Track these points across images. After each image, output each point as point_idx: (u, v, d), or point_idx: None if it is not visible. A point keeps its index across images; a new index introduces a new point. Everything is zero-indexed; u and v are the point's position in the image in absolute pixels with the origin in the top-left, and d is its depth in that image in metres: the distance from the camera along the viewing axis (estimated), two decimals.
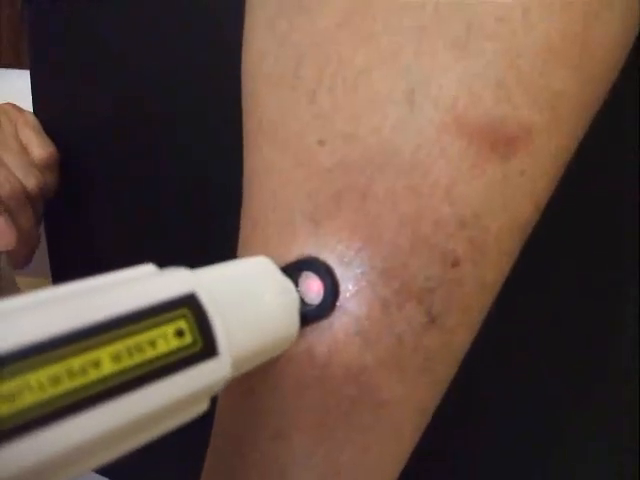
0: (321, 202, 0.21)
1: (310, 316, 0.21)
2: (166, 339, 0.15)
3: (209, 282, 0.17)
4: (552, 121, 0.20)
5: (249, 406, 0.23)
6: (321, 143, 0.21)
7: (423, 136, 0.20)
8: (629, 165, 0.32)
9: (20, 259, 0.48)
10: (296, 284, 0.21)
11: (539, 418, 0.36)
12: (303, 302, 0.21)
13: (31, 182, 0.46)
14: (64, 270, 0.52)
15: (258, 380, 0.23)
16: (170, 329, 0.15)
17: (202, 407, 0.17)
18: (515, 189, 0.21)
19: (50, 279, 0.54)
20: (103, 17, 0.42)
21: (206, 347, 0.16)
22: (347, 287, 0.21)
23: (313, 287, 0.21)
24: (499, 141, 0.20)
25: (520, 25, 0.19)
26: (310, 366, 0.22)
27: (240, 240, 0.24)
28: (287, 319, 0.19)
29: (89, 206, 0.48)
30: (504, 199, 0.21)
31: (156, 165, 0.43)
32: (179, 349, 0.15)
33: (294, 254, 0.22)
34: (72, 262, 0.51)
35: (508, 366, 0.35)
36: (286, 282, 0.20)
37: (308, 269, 0.21)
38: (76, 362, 0.13)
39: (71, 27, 0.43)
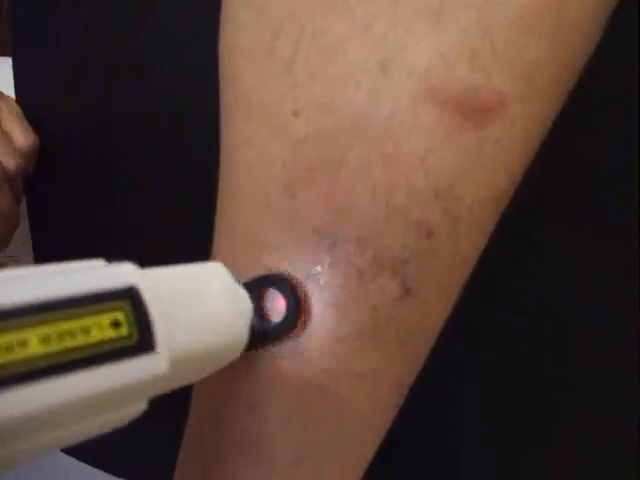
0: (296, 173, 0.21)
1: (270, 334, 0.21)
2: (100, 328, 0.15)
3: (155, 279, 0.17)
4: (526, 90, 0.20)
5: (225, 378, 0.23)
6: (296, 114, 0.21)
7: (397, 105, 0.20)
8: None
9: None
10: (260, 298, 0.21)
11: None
12: (268, 320, 0.21)
13: (10, 163, 0.46)
14: (46, 254, 0.53)
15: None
16: (106, 319, 0.15)
17: (140, 406, 0.16)
18: (489, 159, 0.20)
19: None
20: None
21: (142, 341, 0.15)
22: (322, 257, 0.21)
23: (277, 304, 0.21)
24: (473, 110, 0.20)
25: None
26: (286, 337, 0.22)
27: (217, 215, 0.24)
28: (235, 325, 0.19)
29: (72, 191, 0.49)
30: (479, 169, 0.20)
31: (139, 151, 0.43)
32: (113, 340, 0.15)
33: (270, 226, 0.22)
34: (55, 246, 0.52)
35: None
36: (238, 289, 0.20)
37: (273, 285, 0.21)
38: (2, 339, 0.13)
39: (53, 11, 0.43)
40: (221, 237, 0.24)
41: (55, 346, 0.14)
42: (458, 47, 0.19)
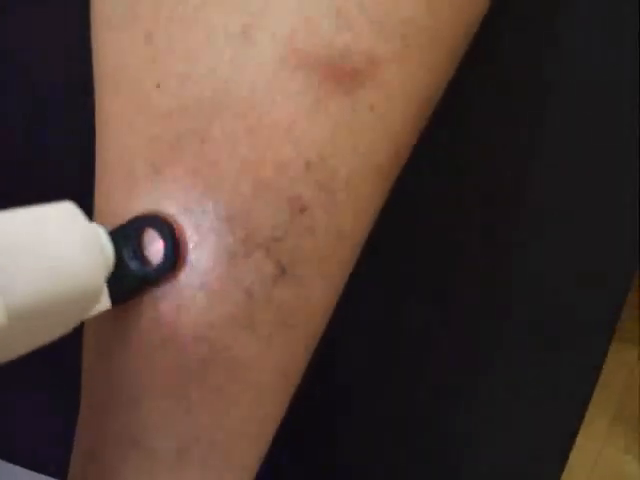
0: (161, 148, 0.20)
1: (151, 277, 0.20)
2: None
3: None
4: (401, 50, 0.19)
5: (106, 371, 0.22)
6: (158, 86, 0.20)
7: (260, 72, 0.19)
8: None
9: None
10: (138, 242, 0.20)
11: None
12: (147, 262, 0.20)
13: None
14: None
15: (112, 344, 0.21)
16: None
17: None
18: (366, 127, 0.19)
19: None
20: None
21: None
22: (191, 237, 0.20)
23: (156, 245, 0.20)
24: (342, 73, 0.19)
25: None
26: (157, 326, 0.20)
27: (95, 194, 0.23)
28: (88, 272, 0.18)
29: None
30: (353, 138, 0.19)
31: None
32: None
33: (138, 205, 0.20)
34: None
35: None
36: (94, 231, 0.19)
37: (149, 226, 0.20)
38: None
39: None
40: (93, 217, 0.22)
41: None
42: (323, 6, 0.18)
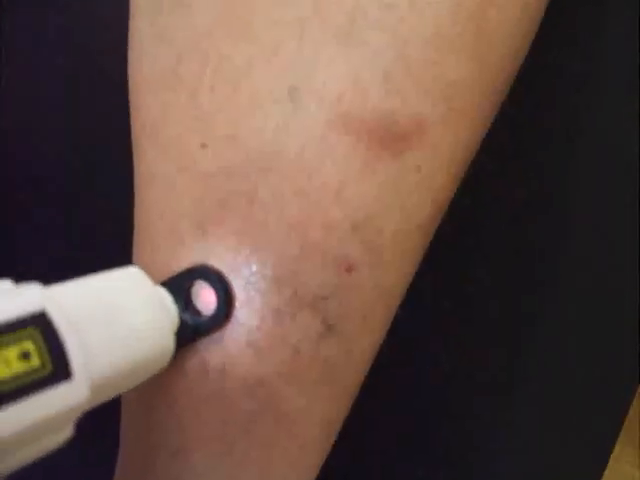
0: (207, 208, 0.20)
1: (203, 328, 0.20)
2: (8, 363, 0.13)
3: (64, 298, 0.15)
4: (448, 113, 0.19)
5: (149, 423, 0.22)
6: (203, 146, 0.20)
7: (308, 136, 0.19)
8: None
9: None
10: (188, 294, 0.20)
11: None
12: (197, 313, 0.20)
13: None
14: None
15: (156, 396, 0.22)
16: (13, 352, 0.14)
17: (64, 434, 0.15)
18: (411, 187, 0.20)
19: None
20: None
21: (57, 370, 0.14)
22: (237, 296, 0.20)
23: (206, 297, 0.20)
24: (390, 137, 0.19)
25: (407, 11, 0.18)
26: (205, 380, 0.21)
27: (134, 254, 0.23)
28: (158, 334, 0.18)
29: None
30: (399, 198, 0.20)
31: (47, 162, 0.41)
32: (23, 373, 0.14)
33: (183, 264, 0.20)
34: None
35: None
36: (160, 294, 0.19)
37: (200, 278, 0.20)
38: None
39: None
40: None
41: None
42: (370, 70, 0.19)
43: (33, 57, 0.35)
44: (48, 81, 0.35)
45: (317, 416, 0.21)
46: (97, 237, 0.37)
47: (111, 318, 0.16)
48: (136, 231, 0.22)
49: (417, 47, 0.19)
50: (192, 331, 0.20)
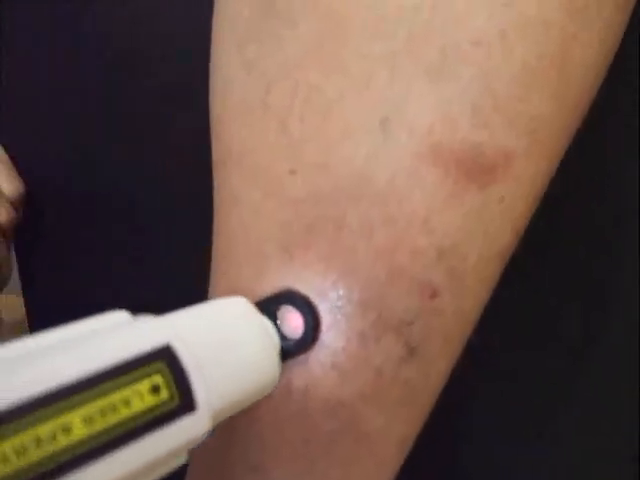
0: (294, 233, 0.21)
1: (290, 351, 0.20)
2: (141, 396, 0.14)
3: (184, 331, 0.16)
4: (530, 146, 0.20)
5: (227, 440, 0.22)
6: (292, 173, 0.20)
7: (398, 165, 0.20)
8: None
9: None
10: (274, 318, 0.21)
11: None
12: (282, 336, 0.20)
13: (2, 215, 0.45)
14: (37, 301, 0.50)
15: (236, 414, 0.22)
16: (145, 385, 0.14)
17: (181, 460, 0.16)
18: (494, 216, 0.20)
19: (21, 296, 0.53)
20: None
21: (184, 402, 0.15)
22: (323, 320, 0.20)
23: (292, 321, 0.20)
24: (477, 169, 0.20)
25: (497, 48, 0.19)
26: (288, 400, 0.21)
27: (211, 274, 0.23)
28: (268, 363, 0.19)
29: (59, 236, 0.47)
30: (483, 227, 0.20)
31: (126, 198, 0.41)
32: (155, 406, 0.14)
33: (267, 288, 0.21)
34: (46, 293, 0.50)
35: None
36: (265, 323, 0.19)
37: (287, 303, 0.20)
38: (44, 429, 0.12)
39: (34, 41, 0.41)
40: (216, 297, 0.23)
41: (98, 425, 0.13)
42: (459, 104, 0.19)
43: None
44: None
45: (394, 436, 0.22)
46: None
47: (225, 349, 0.17)
48: (217, 254, 0.23)
49: (504, 83, 0.19)
50: (280, 354, 0.20)
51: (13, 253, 0.50)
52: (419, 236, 0.20)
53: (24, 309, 0.54)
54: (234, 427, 0.22)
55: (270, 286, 0.21)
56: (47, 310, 0.46)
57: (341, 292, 0.20)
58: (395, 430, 0.22)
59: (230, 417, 0.22)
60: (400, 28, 0.19)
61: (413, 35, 0.19)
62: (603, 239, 0.32)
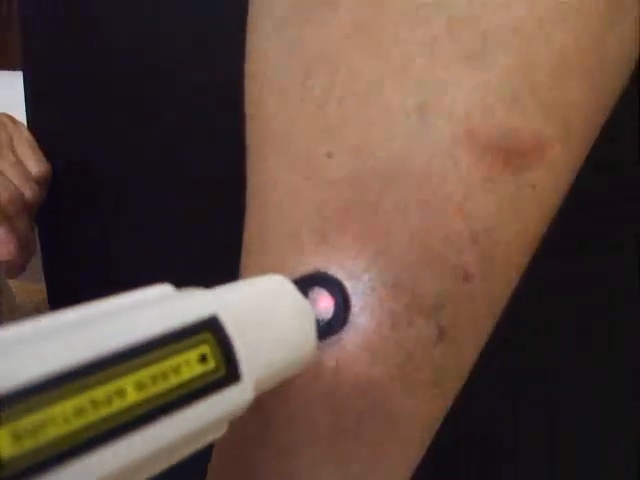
0: (329, 215, 0.21)
1: (321, 332, 0.20)
2: (189, 365, 0.14)
3: (229, 303, 0.16)
4: (565, 133, 0.20)
5: (256, 422, 0.23)
6: (330, 155, 0.21)
7: (435, 149, 0.20)
8: None
9: (17, 268, 0.48)
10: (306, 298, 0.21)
11: None
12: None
13: (27, 192, 0.45)
14: (58, 277, 0.51)
15: (266, 395, 0.22)
16: (193, 355, 0.14)
17: (221, 431, 0.16)
18: (526, 203, 0.20)
19: (44, 284, 0.53)
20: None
21: (229, 372, 0.15)
22: (356, 302, 0.21)
23: (323, 303, 0.21)
24: (512, 154, 0.20)
25: (535, 37, 0.19)
26: (318, 381, 0.21)
27: (243, 254, 0.24)
28: (306, 338, 0.19)
29: (82, 215, 0.47)
30: (516, 213, 0.20)
31: (153, 181, 0.42)
32: (203, 375, 0.15)
33: (301, 268, 0.21)
34: (66, 267, 0.50)
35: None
36: (303, 301, 0.20)
37: (318, 284, 0.21)
38: (100, 392, 0.13)
39: (67, 28, 0.42)
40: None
41: (150, 391, 0.14)
42: (497, 90, 0.19)
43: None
44: None
45: (422, 418, 0.22)
46: None
47: (266, 322, 0.17)
48: (250, 235, 0.23)
49: (543, 71, 0.19)
50: None
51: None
52: (454, 220, 0.20)
53: (42, 296, 0.55)
54: (263, 409, 0.22)
55: (304, 268, 0.21)
56: (70, 292, 0.46)
57: (374, 274, 0.20)
58: (422, 412, 0.22)
59: (259, 398, 0.22)
60: (440, 13, 0.20)
61: (453, 21, 0.19)
62: None
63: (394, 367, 0.21)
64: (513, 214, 0.20)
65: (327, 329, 0.21)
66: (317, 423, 0.22)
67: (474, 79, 0.19)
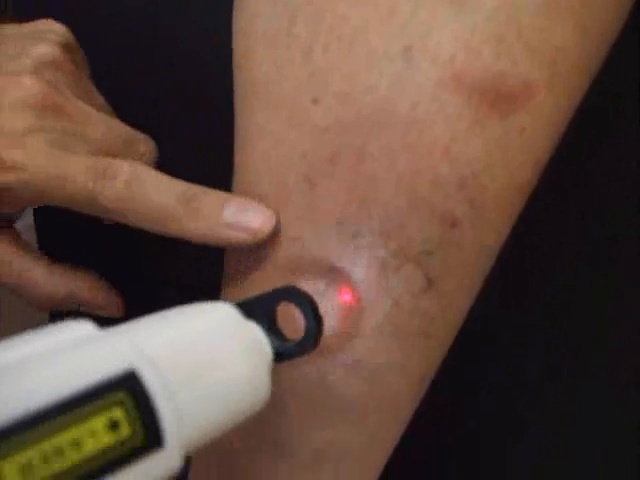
0: (316, 163, 0.21)
1: (287, 354, 0.18)
2: (95, 436, 0.12)
3: (154, 349, 0.14)
4: (552, 77, 0.20)
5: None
6: (315, 102, 0.21)
7: (420, 93, 0.20)
8: None
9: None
10: (274, 314, 0.19)
11: None
12: (283, 337, 0.19)
13: None
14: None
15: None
16: (100, 422, 0.12)
17: None
18: (515, 147, 0.20)
19: None
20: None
21: (149, 438, 0.13)
22: (343, 249, 0.20)
23: (292, 321, 0.19)
24: (499, 97, 0.20)
25: None
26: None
27: None
28: (255, 381, 0.16)
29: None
30: (504, 158, 0.20)
31: None
32: (113, 445, 0.12)
33: (289, 216, 0.21)
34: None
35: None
36: (254, 332, 0.17)
37: (286, 299, 0.19)
38: None
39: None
40: None
41: (39, 474, 0.11)
42: (483, 33, 0.19)
43: None
44: None
45: (410, 370, 0.22)
46: None
47: (205, 369, 0.15)
48: (239, 185, 0.23)
49: (528, 13, 0.19)
50: (277, 355, 0.18)
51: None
52: (440, 164, 0.20)
53: None
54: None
55: (292, 216, 0.21)
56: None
57: (362, 221, 0.20)
58: (412, 364, 0.21)
59: None
60: None
61: None
62: None
63: (382, 315, 0.20)
64: (501, 159, 0.20)
65: (297, 350, 0.18)
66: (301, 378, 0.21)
67: (459, 22, 0.19)
